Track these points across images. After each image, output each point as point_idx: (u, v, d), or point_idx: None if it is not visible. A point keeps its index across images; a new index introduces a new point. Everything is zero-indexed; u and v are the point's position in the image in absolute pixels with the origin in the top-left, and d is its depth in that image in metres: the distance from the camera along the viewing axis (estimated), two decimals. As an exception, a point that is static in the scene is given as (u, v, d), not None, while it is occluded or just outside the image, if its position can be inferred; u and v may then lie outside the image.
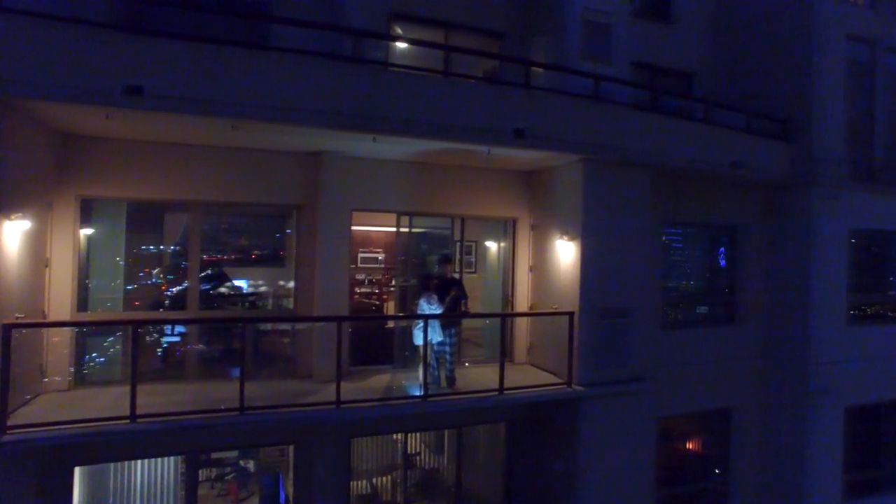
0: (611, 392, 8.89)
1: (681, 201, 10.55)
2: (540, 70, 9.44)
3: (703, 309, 11.53)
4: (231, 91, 6.48)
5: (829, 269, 10.99)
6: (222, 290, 8.95)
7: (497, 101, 8.07)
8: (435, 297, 8.32)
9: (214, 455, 8.99)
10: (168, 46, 6.25)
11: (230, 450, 9.38)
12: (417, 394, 7.90)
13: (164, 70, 6.20)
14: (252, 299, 9.20)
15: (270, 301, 9.24)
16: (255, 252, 9.39)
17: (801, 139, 10.96)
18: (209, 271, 8.71)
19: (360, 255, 12.18)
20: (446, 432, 9.89)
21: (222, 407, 6.83)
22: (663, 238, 10.58)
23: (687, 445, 11.48)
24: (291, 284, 8.95)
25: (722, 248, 11.45)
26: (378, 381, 8.76)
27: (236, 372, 7.05)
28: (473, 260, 11.77)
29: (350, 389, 7.78)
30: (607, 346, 8.91)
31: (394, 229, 9.72)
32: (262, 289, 9.29)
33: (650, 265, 9.61)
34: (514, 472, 9.83)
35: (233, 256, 9.11)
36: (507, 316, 9.84)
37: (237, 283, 9.12)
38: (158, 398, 6.95)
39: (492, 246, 11.29)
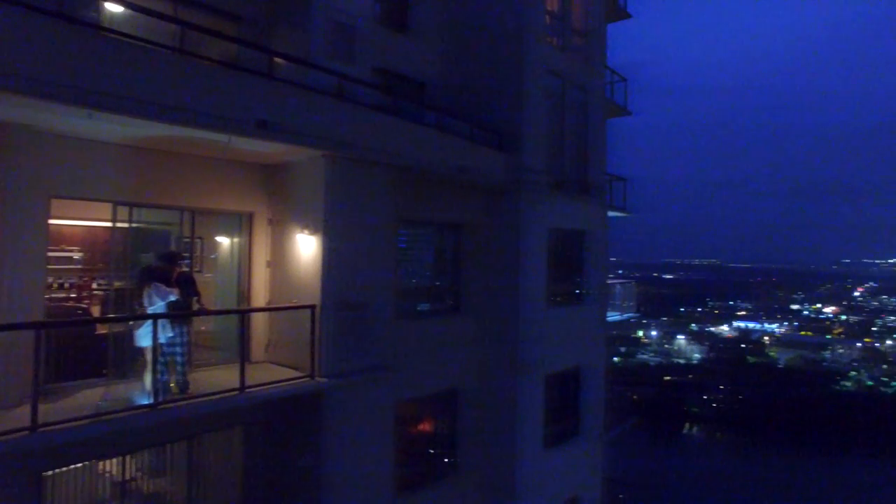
0: (354, 382, 9.16)
1: (416, 200, 11.32)
2: (282, 62, 9.18)
3: (433, 300, 12.61)
4: None
5: (534, 262, 13.02)
6: None
7: (240, 88, 7.64)
8: (162, 285, 7.52)
9: None
10: None
11: None
12: (145, 402, 6.99)
13: None
14: None
15: None
16: None
17: (513, 150, 12.73)
18: None
19: (49, 254, 10.00)
20: (170, 451, 8.73)
21: None
22: (400, 234, 11.23)
23: (422, 425, 12.44)
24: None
25: (450, 244, 12.66)
26: (86, 397, 7.47)
27: None
28: (198, 256, 10.82)
29: (46, 411, 6.37)
30: (349, 338, 9.13)
31: (97, 223, 8.40)
32: None
33: (389, 259, 10.14)
34: (254, 479, 9.37)
35: None
36: (247, 311, 9.34)
37: None
38: None
39: (225, 241, 10.60)
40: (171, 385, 7.61)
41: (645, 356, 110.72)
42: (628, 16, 17.95)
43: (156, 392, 7.03)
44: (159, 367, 7.29)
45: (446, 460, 12.52)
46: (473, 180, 11.75)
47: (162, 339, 7.41)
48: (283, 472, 9.39)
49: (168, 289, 7.63)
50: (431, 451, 12.41)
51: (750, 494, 62.42)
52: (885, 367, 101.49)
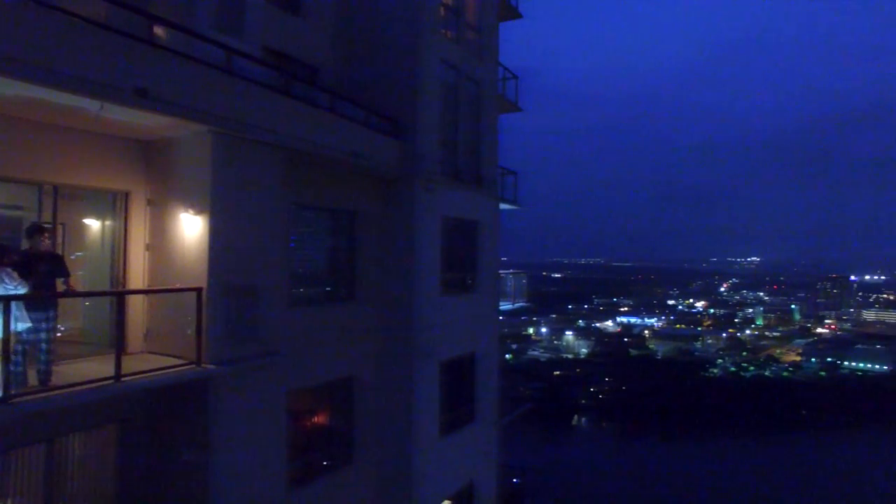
0: (243, 369, 8.73)
1: (309, 185, 11.04)
2: (163, 33, 8.56)
3: (327, 287, 12.36)
4: None
5: (428, 250, 13.12)
6: None
7: (117, 51, 7.00)
8: (14, 273, 6.62)
9: None
10: None
11: None
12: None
13: None
14: None
15: None
16: None
17: (407, 139, 12.76)
18: None
19: None
20: (21, 459, 7.57)
21: None
22: (293, 218, 10.90)
23: (315, 415, 12.12)
24: None
25: (345, 231, 12.46)
26: None
27: None
28: (60, 244, 9.81)
29: None
30: (238, 323, 8.70)
31: None
32: None
33: (280, 243, 9.79)
34: (131, 483, 8.63)
35: None
36: (125, 293, 8.59)
37: None
38: None
39: (95, 224, 9.72)
40: (30, 378, 6.79)
41: (536, 353, 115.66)
42: (519, 15, 18.63)
43: (6, 384, 6.21)
44: (15, 358, 6.50)
45: (342, 450, 12.28)
46: (367, 166, 11.65)
47: (19, 328, 6.60)
48: (166, 471, 8.72)
49: (16, 279, 6.58)
50: (326, 442, 12.13)
51: (630, 476, 67.45)
52: (744, 353, 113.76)
